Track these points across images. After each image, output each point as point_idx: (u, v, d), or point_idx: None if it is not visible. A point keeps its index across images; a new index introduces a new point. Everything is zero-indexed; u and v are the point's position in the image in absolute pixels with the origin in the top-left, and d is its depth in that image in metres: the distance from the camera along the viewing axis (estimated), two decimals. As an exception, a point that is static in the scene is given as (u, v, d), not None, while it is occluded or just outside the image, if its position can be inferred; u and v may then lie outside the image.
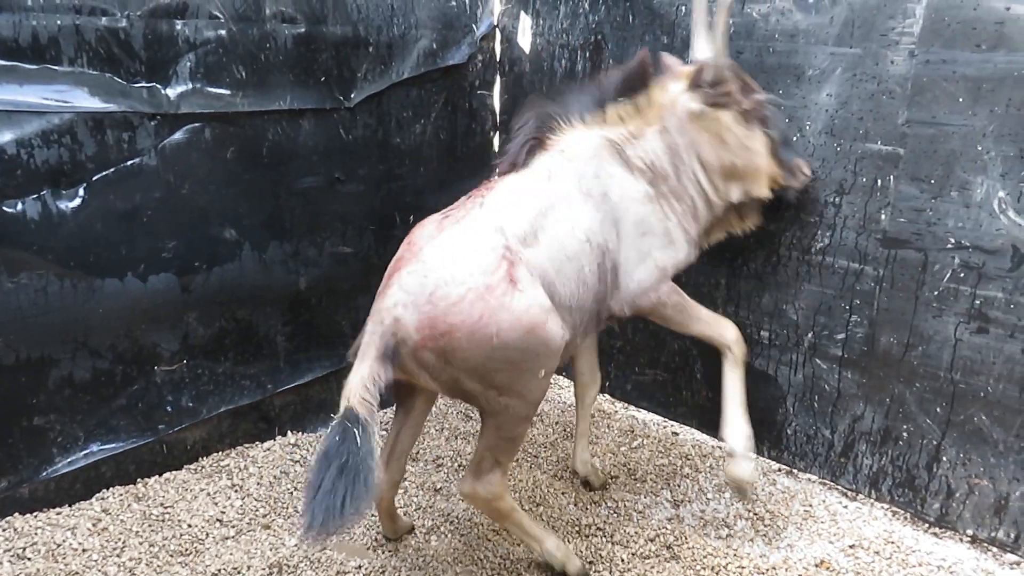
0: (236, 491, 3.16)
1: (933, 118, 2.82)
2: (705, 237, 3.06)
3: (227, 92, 3.11)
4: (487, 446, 2.51)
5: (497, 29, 4.12)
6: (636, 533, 2.99)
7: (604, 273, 2.64)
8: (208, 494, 3.12)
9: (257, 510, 3.05)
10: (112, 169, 2.88)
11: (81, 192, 2.82)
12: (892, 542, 2.98)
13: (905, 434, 3.08)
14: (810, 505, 3.21)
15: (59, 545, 2.76)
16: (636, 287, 2.75)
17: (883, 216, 2.99)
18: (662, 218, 2.80)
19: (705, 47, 2.88)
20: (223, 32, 3.05)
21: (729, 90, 2.79)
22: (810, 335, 3.28)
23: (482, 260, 2.33)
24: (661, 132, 2.84)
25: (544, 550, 2.66)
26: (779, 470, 3.48)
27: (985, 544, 2.96)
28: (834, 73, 3.02)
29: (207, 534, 2.89)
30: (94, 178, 2.84)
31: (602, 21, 3.72)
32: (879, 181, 2.98)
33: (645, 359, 3.89)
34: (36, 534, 2.80)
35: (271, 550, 2.82)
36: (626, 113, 2.86)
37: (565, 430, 3.76)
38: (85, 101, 2.77)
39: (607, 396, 4.13)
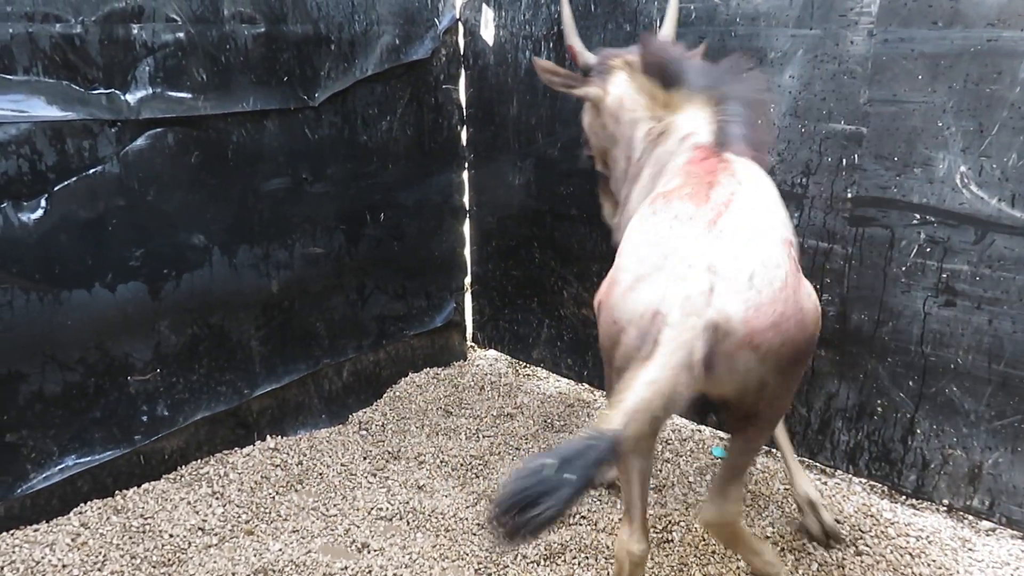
0: (217, 498, 3.13)
1: (894, 96, 2.85)
2: None
3: (188, 96, 3.06)
4: (747, 462, 2.27)
5: (460, 22, 4.10)
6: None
7: None
8: (188, 503, 3.09)
9: (239, 516, 3.02)
10: (74, 178, 2.83)
11: (43, 203, 2.77)
12: (871, 515, 3.03)
13: (879, 409, 3.13)
14: (790, 483, 3.24)
15: (38, 562, 2.72)
16: None
17: (849, 195, 3.03)
18: None
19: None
20: (181, 35, 3.00)
21: None
22: (783, 315, 3.31)
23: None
24: None
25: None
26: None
27: (961, 513, 3.02)
28: (796, 55, 3.05)
29: (189, 543, 2.86)
30: (56, 188, 2.79)
31: (564, 11, 3.71)
32: (844, 160, 3.02)
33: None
34: (14, 552, 2.76)
35: (255, 556, 2.80)
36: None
37: (546, 421, 3.77)
38: (42, 110, 2.71)
39: (586, 385, 4.15)
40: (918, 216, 2.88)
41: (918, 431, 3.05)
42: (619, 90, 2.79)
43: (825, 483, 3.25)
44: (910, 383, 3.03)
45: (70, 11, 2.72)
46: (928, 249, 2.88)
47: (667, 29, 3.11)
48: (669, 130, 2.54)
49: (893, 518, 3.01)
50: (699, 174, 2.16)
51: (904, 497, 3.14)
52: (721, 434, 3.65)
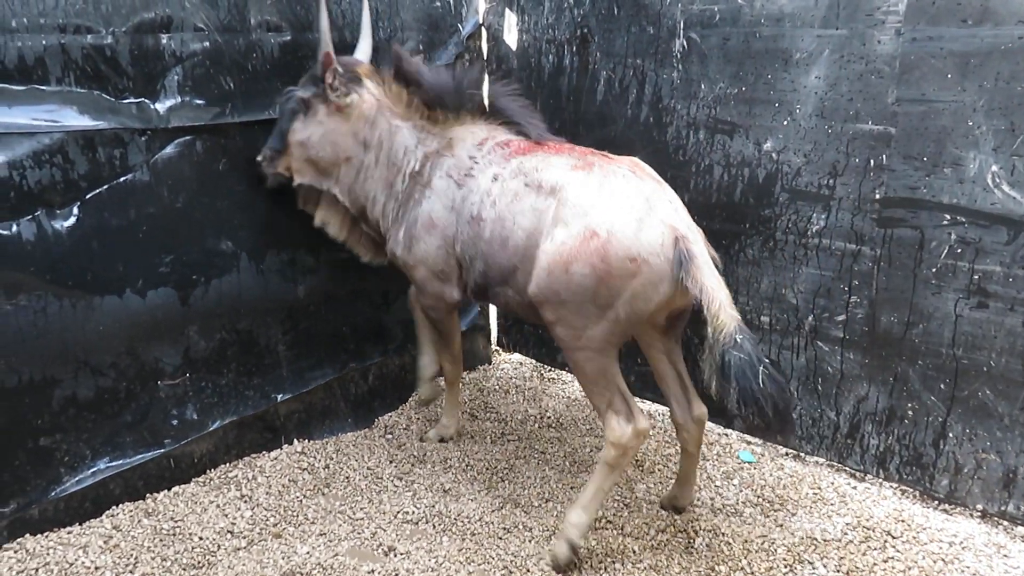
0: (245, 502, 3.16)
1: (923, 95, 2.82)
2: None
3: (216, 104, 3.10)
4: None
5: (483, 27, 4.12)
6: (647, 524, 2.99)
7: None
8: (218, 506, 3.12)
9: (267, 519, 3.05)
10: (105, 186, 2.88)
11: (75, 211, 2.82)
12: (903, 520, 2.98)
13: (910, 412, 3.08)
14: (819, 488, 3.21)
15: (71, 564, 2.76)
16: None
17: (877, 195, 2.99)
18: None
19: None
20: (209, 44, 3.04)
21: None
22: (810, 318, 3.28)
23: None
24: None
25: None
26: (786, 454, 3.48)
27: (995, 518, 2.96)
28: (822, 55, 3.02)
29: (219, 546, 2.89)
30: (87, 196, 2.84)
31: (587, 14, 3.72)
32: (871, 161, 2.98)
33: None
34: (48, 554, 2.80)
35: (283, 559, 2.82)
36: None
37: (571, 425, 3.76)
38: (74, 120, 2.76)
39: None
40: (948, 216, 2.83)
41: (950, 435, 3.00)
42: (374, 97, 3.07)
43: (855, 488, 3.21)
44: (942, 386, 2.98)
45: (101, 22, 2.77)
46: (959, 250, 2.84)
47: (365, 45, 3.25)
48: (454, 143, 3.01)
49: (925, 523, 2.97)
50: (577, 153, 2.76)
51: (936, 502, 3.09)
52: (748, 438, 3.62)
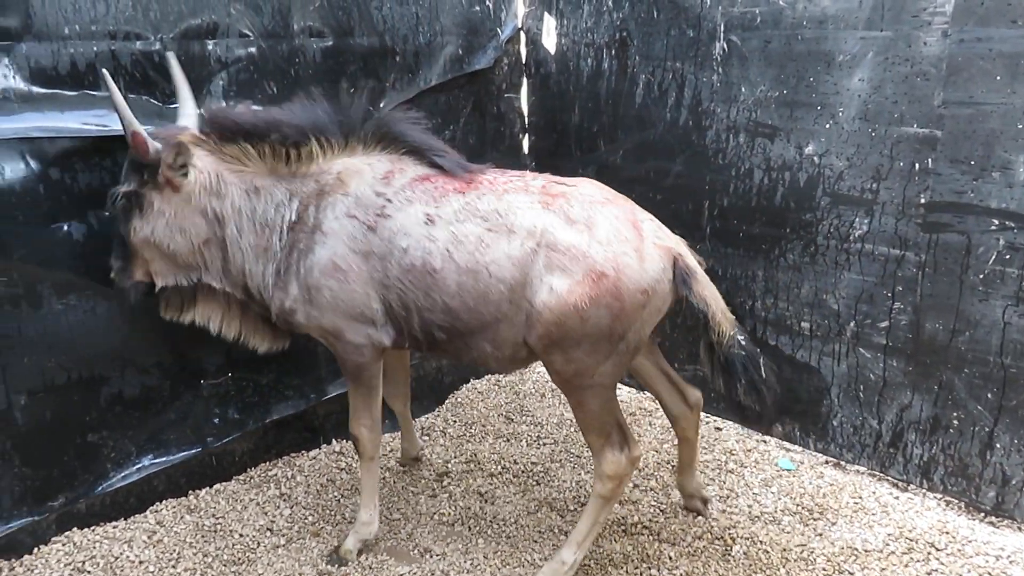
0: (285, 500, 3.21)
1: (970, 98, 2.76)
2: None
3: (260, 108, 3.15)
4: None
5: (522, 31, 4.13)
6: (683, 530, 2.97)
7: None
8: (258, 504, 3.17)
9: (306, 518, 3.09)
10: (152, 189, 2.94)
11: (123, 213, 2.88)
12: (947, 532, 2.92)
13: (956, 422, 3.02)
14: (860, 497, 3.16)
15: (117, 558, 2.83)
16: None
17: (922, 200, 2.94)
18: None
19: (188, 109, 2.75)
20: (253, 49, 3.10)
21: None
22: (852, 324, 3.23)
23: None
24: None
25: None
26: (826, 462, 3.43)
27: (1044, 531, 2.89)
28: (865, 58, 2.98)
29: (258, 543, 2.94)
30: (135, 199, 2.90)
31: (626, 18, 3.71)
32: (916, 165, 2.93)
33: (684, 354, 3.86)
34: (94, 548, 2.88)
35: (321, 557, 2.85)
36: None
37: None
38: (124, 124, 2.83)
39: (647, 394, 4.11)
40: (996, 221, 2.77)
41: (997, 445, 2.93)
42: (210, 163, 2.61)
43: (897, 498, 3.15)
44: (988, 395, 2.91)
45: (150, 29, 2.83)
46: (1008, 256, 2.77)
47: (188, 108, 2.76)
48: (345, 179, 2.61)
49: (971, 536, 2.90)
50: (530, 187, 2.55)
51: (982, 514, 3.02)
52: (787, 445, 3.57)
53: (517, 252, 2.42)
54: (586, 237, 2.39)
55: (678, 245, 2.53)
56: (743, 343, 2.53)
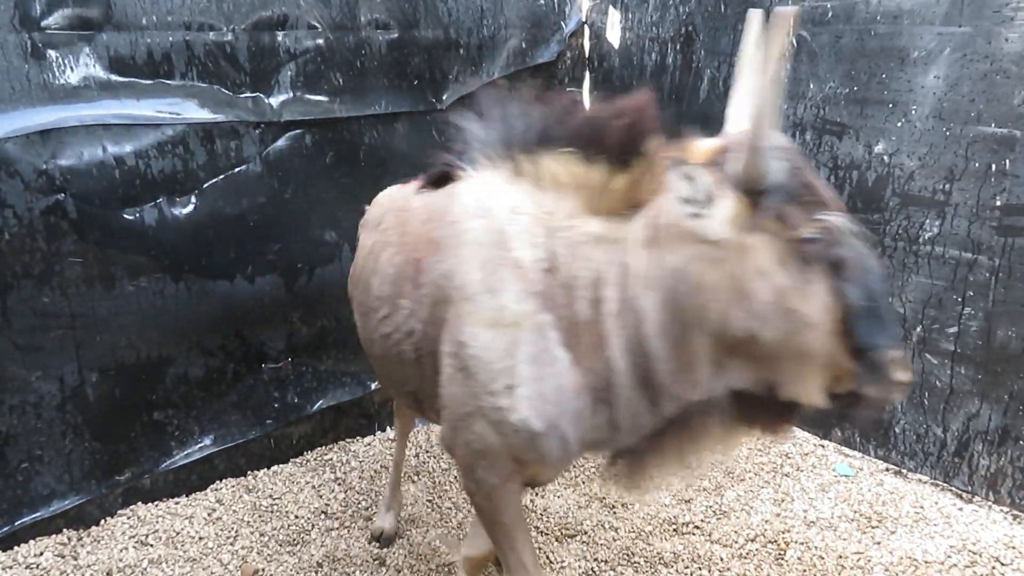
0: (339, 484, 3.26)
1: (1054, 97, 2.65)
2: (613, 443, 1.87)
3: (326, 99, 3.21)
4: None
5: (586, 25, 4.11)
6: (736, 532, 2.93)
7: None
8: (313, 487, 3.24)
9: (359, 503, 3.14)
10: (221, 176, 3.02)
11: (193, 199, 2.98)
12: (1014, 547, 2.82)
13: (1026, 433, 2.91)
14: (921, 507, 3.07)
15: (178, 533, 2.92)
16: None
17: (998, 202, 2.83)
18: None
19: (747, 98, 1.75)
20: (321, 41, 3.15)
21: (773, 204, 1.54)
22: (919, 329, 3.14)
23: None
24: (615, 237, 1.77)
25: None
26: (887, 470, 3.34)
27: (1119, 551, 2.76)
28: (942, 54, 2.88)
29: (313, 525, 3.00)
30: (205, 185, 2.99)
31: (693, 12, 3.66)
32: (993, 166, 2.82)
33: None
34: (157, 522, 2.98)
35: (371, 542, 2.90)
36: (575, 178, 1.87)
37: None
38: (195, 112, 2.92)
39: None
40: (1078, 227, 2.66)
41: (1071, 460, 2.81)
42: None
43: (960, 509, 3.05)
44: (1063, 407, 2.80)
45: (223, 20, 2.91)
46: (1088, 263, 2.65)
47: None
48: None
49: (1039, 552, 2.79)
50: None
51: (1052, 530, 2.91)
52: (846, 450, 3.49)
53: None
54: None
55: None
56: None
